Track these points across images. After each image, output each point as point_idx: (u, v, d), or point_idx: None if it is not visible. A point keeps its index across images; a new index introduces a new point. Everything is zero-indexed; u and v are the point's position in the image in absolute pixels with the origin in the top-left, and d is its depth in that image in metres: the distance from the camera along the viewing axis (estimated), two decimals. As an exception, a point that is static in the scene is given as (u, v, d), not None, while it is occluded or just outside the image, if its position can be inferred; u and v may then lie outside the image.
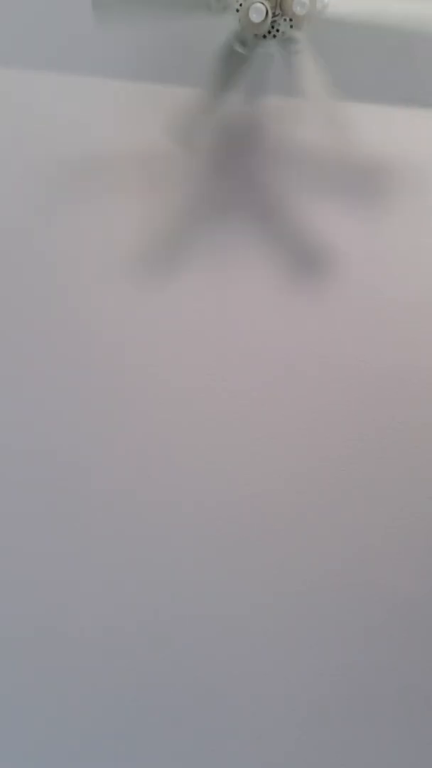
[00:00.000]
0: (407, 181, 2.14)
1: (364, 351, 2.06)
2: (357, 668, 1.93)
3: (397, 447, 2.02)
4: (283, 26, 1.52)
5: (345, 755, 1.90)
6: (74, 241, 1.99)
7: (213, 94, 1.63)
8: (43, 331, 1.95)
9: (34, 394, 1.92)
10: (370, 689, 1.93)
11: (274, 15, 1.51)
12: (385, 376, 2.05)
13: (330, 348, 2.04)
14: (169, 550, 1.91)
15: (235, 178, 2.07)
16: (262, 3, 1.47)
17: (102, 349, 1.96)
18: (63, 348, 1.95)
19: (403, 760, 1.91)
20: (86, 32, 1.85)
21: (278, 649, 1.91)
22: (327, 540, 1.96)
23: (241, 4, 1.49)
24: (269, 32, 1.54)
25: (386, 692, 1.93)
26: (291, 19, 1.52)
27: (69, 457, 1.91)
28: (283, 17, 1.53)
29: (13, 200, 1.99)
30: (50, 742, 1.81)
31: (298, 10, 1.47)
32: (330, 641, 1.93)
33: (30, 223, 1.98)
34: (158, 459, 1.94)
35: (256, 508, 1.95)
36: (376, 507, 1.99)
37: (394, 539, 1.98)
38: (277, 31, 1.55)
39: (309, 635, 1.93)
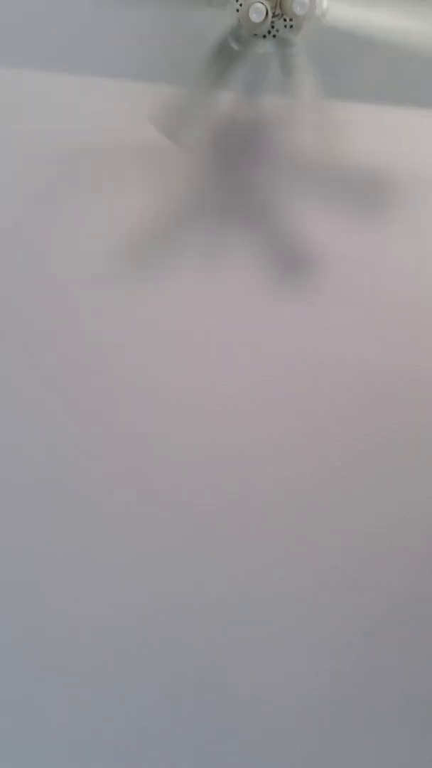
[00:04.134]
0: (406, 181, 2.15)
1: (363, 351, 2.06)
2: (357, 666, 1.93)
3: (398, 447, 2.03)
4: (281, 27, 1.52)
5: (344, 752, 1.90)
6: (74, 241, 1.99)
7: (205, 89, 1.63)
8: (42, 332, 1.95)
9: (34, 394, 1.92)
10: (369, 687, 1.93)
11: (274, 15, 1.51)
12: (384, 376, 2.05)
13: (330, 348, 2.05)
14: (168, 549, 1.91)
15: (236, 178, 2.07)
16: (262, 3, 1.48)
17: (102, 349, 1.96)
18: (62, 348, 1.95)
19: (403, 757, 1.92)
20: (86, 32, 1.85)
21: (279, 649, 1.91)
22: (327, 539, 1.97)
23: (241, 4, 1.49)
24: (269, 32, 1.55)
25: (386, 691, 1.93)
26: (291, 19, 1.52)
27: (68, 456, 1.91)
28: (283, 17, 1.53)
29: (12, 200, 1.98)
30: (51, 741, 1.81)
31: (298, 10, 1.48)
32: (330, 639, 1.93)
33: (29, 223, 1.98)
34: (158, 458, 1.94)
35: (256, 507, 1.96)
36: (375, 506, 2.00)
37: (394, 538, 1.99)
38: (277, 31, 1.55)
39: (309, 634, 1.93)
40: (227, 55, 1.59)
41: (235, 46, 1.57)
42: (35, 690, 1.82)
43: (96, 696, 1.84)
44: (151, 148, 2.04)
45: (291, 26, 1.54)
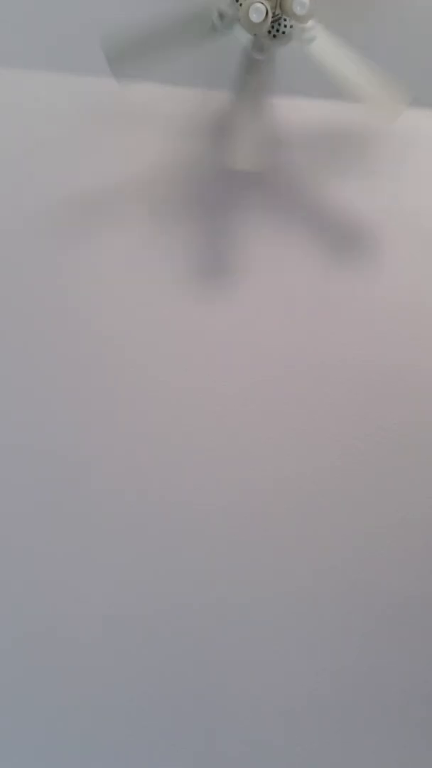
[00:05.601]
0: (406, 181, 2.15)
1: (363, 351, 2.06)
2: (357, 666, 1.93)
3: (398, 447, 2.02)
4: (287, 22, 1.54)
5: (344, 752, 1.90)
6: (74, 241, 1.99)
7: (249, 105, 1.64)
8: (43, 332, 1.95)
9: (35, 395, 1.92)
10: (369, 687, 1.93)
11: (274, 15, 1.51)
12: (384, 376, 2.05)
13: (330, 348, 2.05)
14: (169, 549, 1.91)
15: (237, 177, 2.07)
16: (262, 3, 1.48)
17: (102, 350, 1.96)
18: (63, 348, 1.95)
19: (403, 758, 1.92)
20: (86, 32, 1.85)
21: (279, 649, 1.91)
22: (327, 539, 1.96)
23: (241, 4, 1.49)
24: (269, 32, 1.55)
25: (386, 691, 1.93)
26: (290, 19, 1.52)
27: (69, 456, 1.91)
28: (283, 17, 1.54)
29: (12, 200, 1.99)
30: (51, 740, 1.81)
31: (298, 10, 1.48)
32: (330, 639, 1.93)
33: (29, 223, 1.98)
34: (158, 458, 1.94)
35: (256, 507, 1.95)
36: (375, 506, 1.99)
37: (394, 538, 1.99)
38: (277, 30, 1.55)
39: (309, 634, 1.93)
40: (255, 67, 1.60)
41: (258, 56, 1.58)
42: (35, 689, 1.82)
43: (96, 696, 1.84)
44: (151, 149, 2.04)
45: (291, 26, 1.54)
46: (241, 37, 1.57)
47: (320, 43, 1.56)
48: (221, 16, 1.53)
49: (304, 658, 1.92)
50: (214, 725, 1.86)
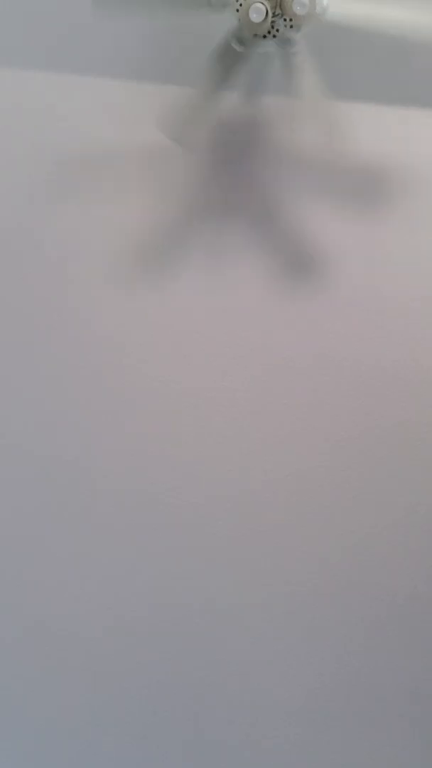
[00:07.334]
0: (405, 181, 2.15)
1: (363, 350, 2.06)
2: (358, 666, 1.93)
3: (398, 446, 2.02)
4: (281, 27, 1.53)
5: (345, 752, 1.90)
6: (74, 241, 1.99)
7: (208, 91, 1.63)
8: (43, 331, 1.95)
9: (34, 394, 1.92)
10: (370, 688, 1.93)
11: (274, 15, 1.51)
12: (384, 375, 2.05)
13: (330, 347, 2.05)
14: (169, 548, 1.91)
15: (236, 177, 2.07)
16: (262, 3, 1.48)
17: (102, 349, 1.96)
18: (63, 348, 1.95)
19: (403, 758, 1.92)
20: (86, 32, 1.85)
21: (279, 649, 1.91)
22: (327, 536, 1.97)
23: (241, 4, 1.49)
24: (269, 32, 1.55)
25: (386, 691, 1.93)
26: (291, 19, 1.52)
27: (68, 456, 1.91)
28: (283, 17, 1.53)
29: (12, 200, 1.99)
30: (51, 738, 1.81)
31: (298, 10, 1.48)
32: (331, 640, 1.93)
33: (30, 222, 1.98)
34: (158, 458, 1.94)
35: (256, 507, 1.95)
36: (375, 506, 2.00)
37: (393, 537, 1.99)
38: (277, 31, 1.55)
39: (310, 634, 1.93)
40: (230, 56, 1.59)
41: (237, 47, 1.57)
42: (34, 689, 1.82)
43: (95, 695, 1.84)
44: (152, 149, 2.04)
45: (291, 26, 1.54)
46: (269, 47, 1.57)
47: (335, 8, 1.53)
48: None
49: (304, 658, 1.92)
50: (214, 725, 1.86)
